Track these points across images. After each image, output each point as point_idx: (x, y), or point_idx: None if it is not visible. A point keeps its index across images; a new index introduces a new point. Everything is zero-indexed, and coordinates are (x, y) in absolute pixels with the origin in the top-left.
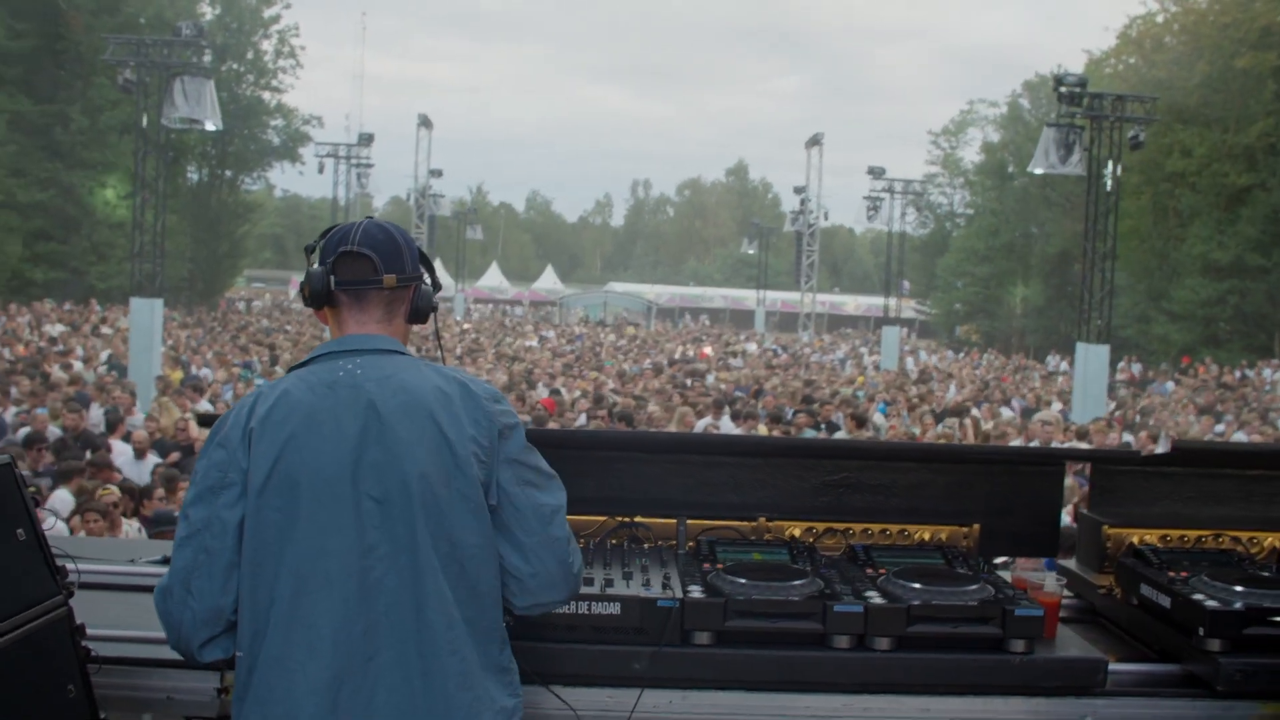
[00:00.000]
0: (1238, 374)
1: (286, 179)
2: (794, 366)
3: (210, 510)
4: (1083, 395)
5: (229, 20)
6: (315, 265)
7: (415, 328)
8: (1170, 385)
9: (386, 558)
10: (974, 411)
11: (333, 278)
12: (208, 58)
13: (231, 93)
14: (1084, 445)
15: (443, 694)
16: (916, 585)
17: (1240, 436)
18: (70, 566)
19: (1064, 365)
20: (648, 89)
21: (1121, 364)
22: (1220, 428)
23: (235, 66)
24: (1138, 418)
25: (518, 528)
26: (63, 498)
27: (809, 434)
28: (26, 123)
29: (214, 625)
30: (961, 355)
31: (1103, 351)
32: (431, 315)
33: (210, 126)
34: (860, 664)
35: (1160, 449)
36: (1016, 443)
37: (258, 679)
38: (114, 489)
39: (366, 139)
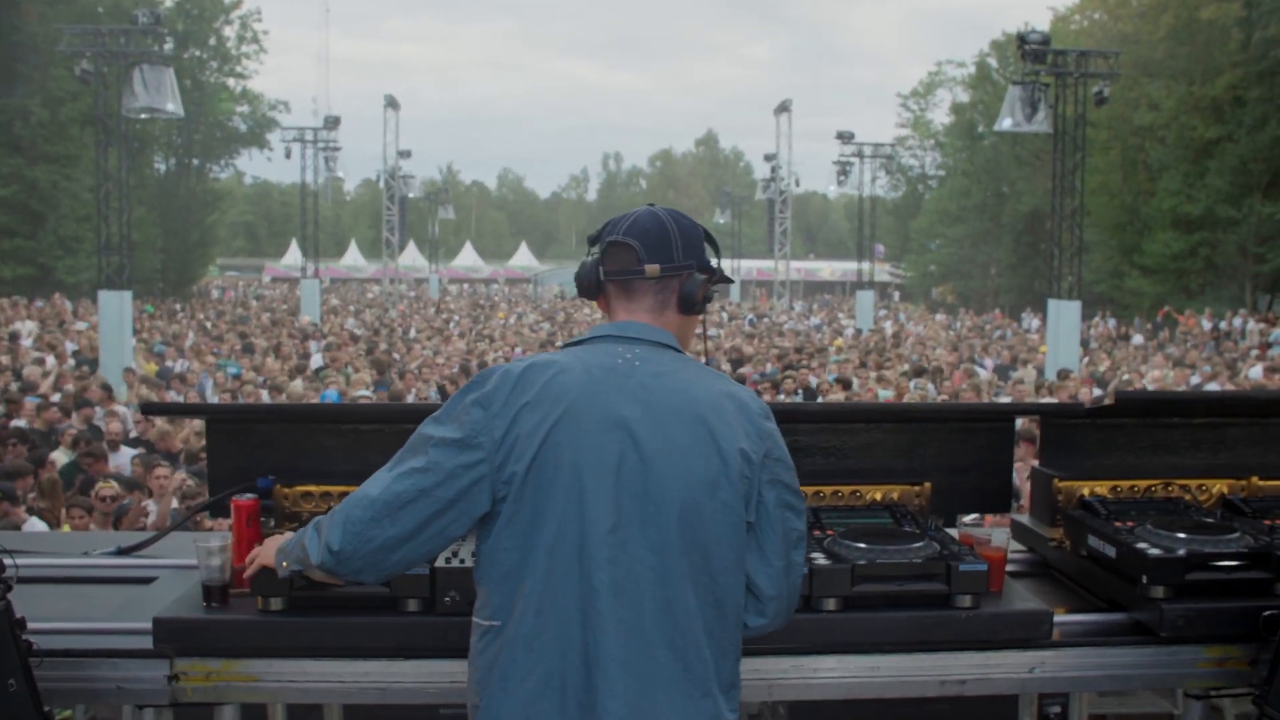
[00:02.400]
0: (1208, 324)
1: (255, 165)
2: (770, 335)
3: (451, 459)
4: (1055, 351)
5: (189, 7)
6: (589, 256)
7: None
8: (1137, 338)
9: (638, 558)
10: (946, 371)
11: (601, 268)
12: (168, 45)
13: (195, 80)
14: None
15: (679, 702)
16: (861, 545)
17: (1214, 389)
18: (9, 562)
19: (1035, 323)
20: (616, 61)
21: (1096, 319)
22: (1195, 379)
23: (198, 53)
24: (1107, 371)
25: (769, 548)
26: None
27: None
28: None
29: (388, 557)
30: (943, 316)
31: (1074, 307)
32: (702, 307)
33: (167, 110)
34: (808, 625)
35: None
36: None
37: (506, 656)
38: (113, 483)
39: (333, 122)
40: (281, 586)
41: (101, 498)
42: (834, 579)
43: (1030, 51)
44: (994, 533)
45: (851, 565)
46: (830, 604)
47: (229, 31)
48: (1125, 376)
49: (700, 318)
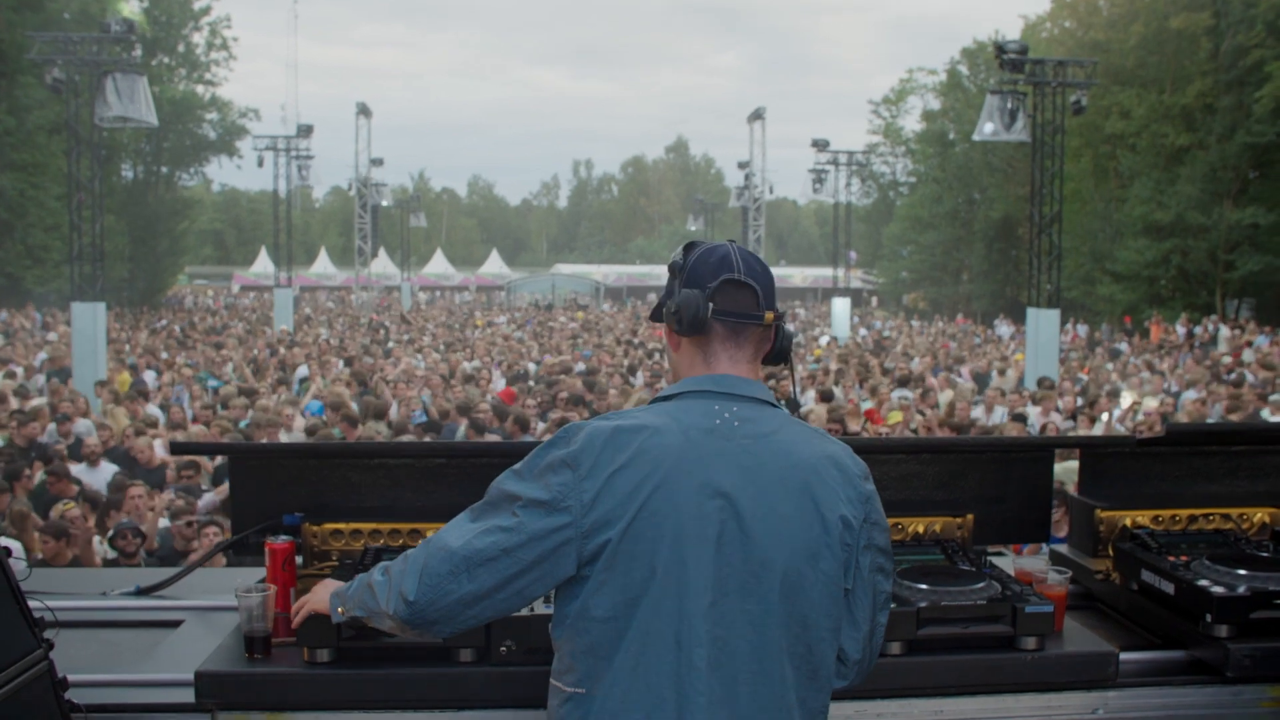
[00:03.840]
0: (1182, 330)
1: (224, 173)
2: None
3: (536, 522)
4: (1035, 360)
5: (157, 14)
6: (685, 287)
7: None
8: (1123, 346)
9: (736, 632)
10: (929, 380)
11: (711, 305)
12: (138, 53)
13: (164, 87)
14: (1036, 410)
15: None
16: (923, 586)
17: (1191, 395)
18: (49, 617)
19: (1003, 329)
20: (586, 70)
21: (1067, 325)
22: (1171, 385)
23: (166, 60)
24: (1086, 379)
25: (859, 612)
26: (13, 547)
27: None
28: None
29: (464, 611)
30: (921, 323)
31: (1053, 316)
32: (790, 355)
33: (141, 119)
34: (871, 670)
35: (1117, 412)
36: (978, 411)
37: None
38: (73, 504)
39: (305, 130)
40: (329, 637)
41: (69, 520)
42: (899, 622)
43: (1009, 61)
44: (1049, 570)
45: (916, 608)
46: (894, 648)
47: (198, 38)
48: (1111, 388)
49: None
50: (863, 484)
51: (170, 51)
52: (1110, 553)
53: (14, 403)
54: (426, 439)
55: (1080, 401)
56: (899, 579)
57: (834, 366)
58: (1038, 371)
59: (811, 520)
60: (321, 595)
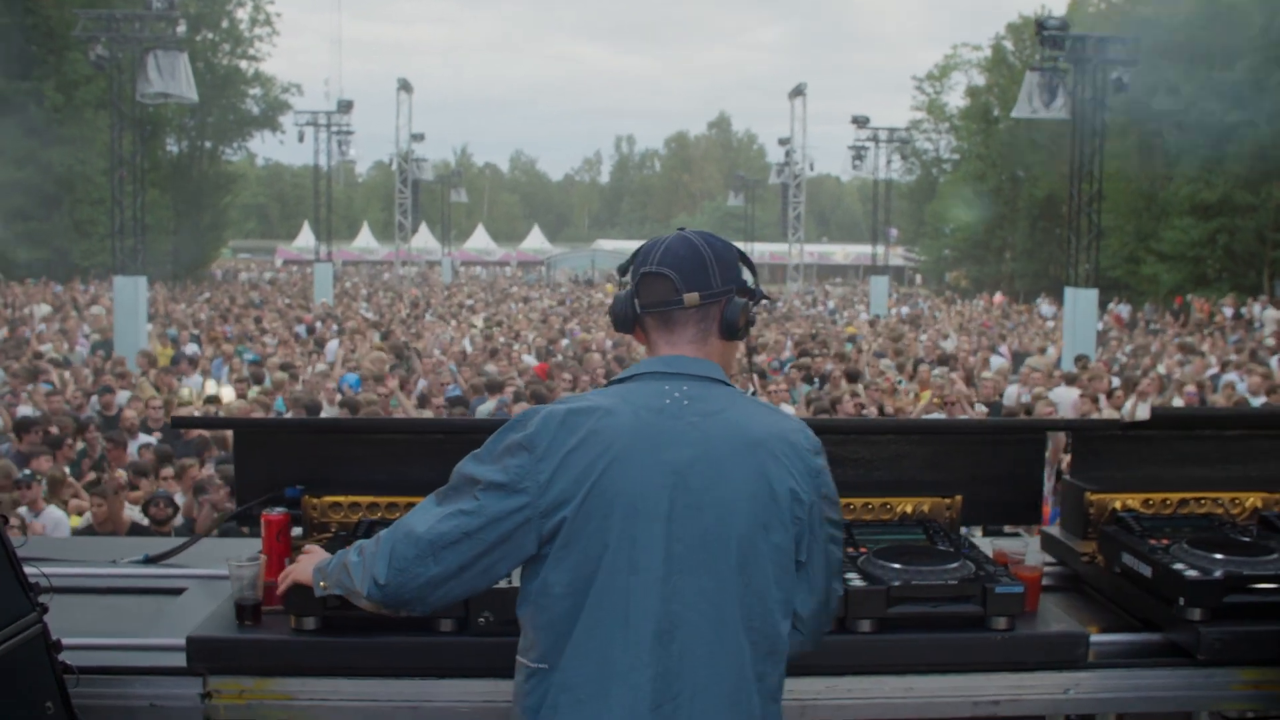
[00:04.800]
0: (1229, 312)
1: (268, 148)
2: (786, 320)
3: (495, 504)
4: (1072, 339)
5: None
6: (623, 288)
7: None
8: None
9: (690, 605)
10: (969, 360)
11: (637, 300)
12: (181, 29)
13: (208, 63)
14: (1074, 391)
15: None
16: (896, 565)
17: (1232, 377)
18: (44, 583)
19: (1046, 308)
20: (629, 45)
21: (1111, 305)
22: (1214, 369)
23: (210, 36)
24: (1129, 362)
25: (815, 580)
26: (55, 516)
27: (804, 389)
28: (0, 100)
29: (433, 592)
30: (961, 301)
31: (1091, 295)
32: (745, 331)
33: (182, 95)
34: (842, 646)
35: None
36: (1012, 389)
37: (549, 700)
38: (121, 472)
39: (346, 106)
40: (315, 605)
41: (117, 488)
42: (869, 601)
43: (1048, 37)
44: (1028, 550)
45: (887, 587)
46: (865, 625)
47: (242, 14)
48: (1140, 370)
49: (742, 342)
50: (813, 458)
51: (214, 27)
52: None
53: (55, 374)
54: (456, 413)
55: (1116, 382)
56: (873, 558)
57: (866, 345)
58: (1075, 350)
59: (761, 493)
60: (305, 566)
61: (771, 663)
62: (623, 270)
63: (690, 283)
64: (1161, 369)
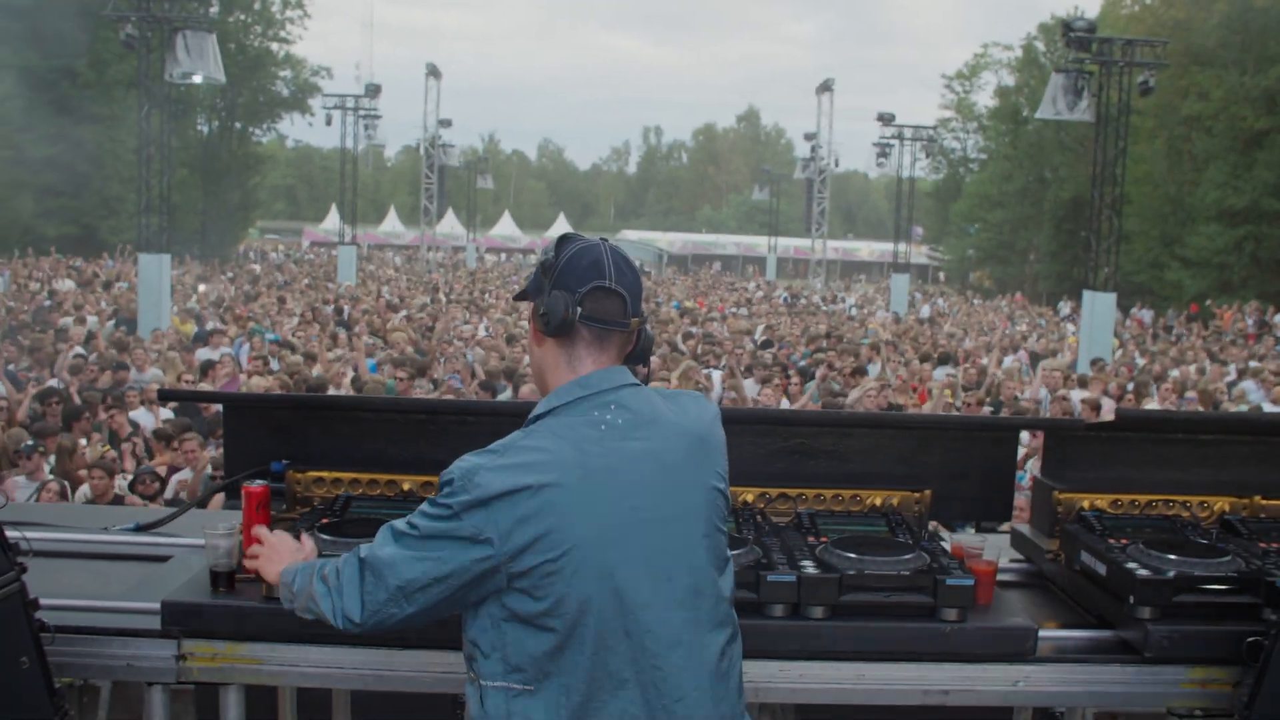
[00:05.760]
0: (1251, 320)
1: (298, 130)
2: (806, 314)
3: (459, 554)
4: (1089, 342)
5: None
6: (555, 288)
7: None
8: (1181, 331)
9: (672, 614)
10: (982, 360)
11: (580, 309)
12: (213, 9)
13: (239, 44)
14: (1083, 393)
15: None
16: (851, 555)
17: (1249, 386)
18: (24, 544)
19: (1066, 311)
20: (660, 36)
21: (1133, 309)
22: (1232, 377)
23: (243, 18)
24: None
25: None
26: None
27: (814, 384)
28: (34, 77)
29: (409, 624)
30: (982, 301)
31: (1109, 299)
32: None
33: (203, 79)
34: (796, 631)
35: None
36: (1028, 391)
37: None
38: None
39: (374, 90)
40: None
41: (109, 460)
42: (822, 588)
43: (1075, 39)
44: (988, 546)
45: (840, 575)
46: (818, 612)
47: None
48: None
49: None
50: (718, 430)
51: (247, 9)
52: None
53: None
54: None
55: (1130, 386)
56: (831, 547)
57: (886, 339)
58: (1091, 354)
59: (712, 491)
60: (273, 568)
61: (735, 643)
62: (547, 267)
63: (635, 306)
64: (1176, 374)
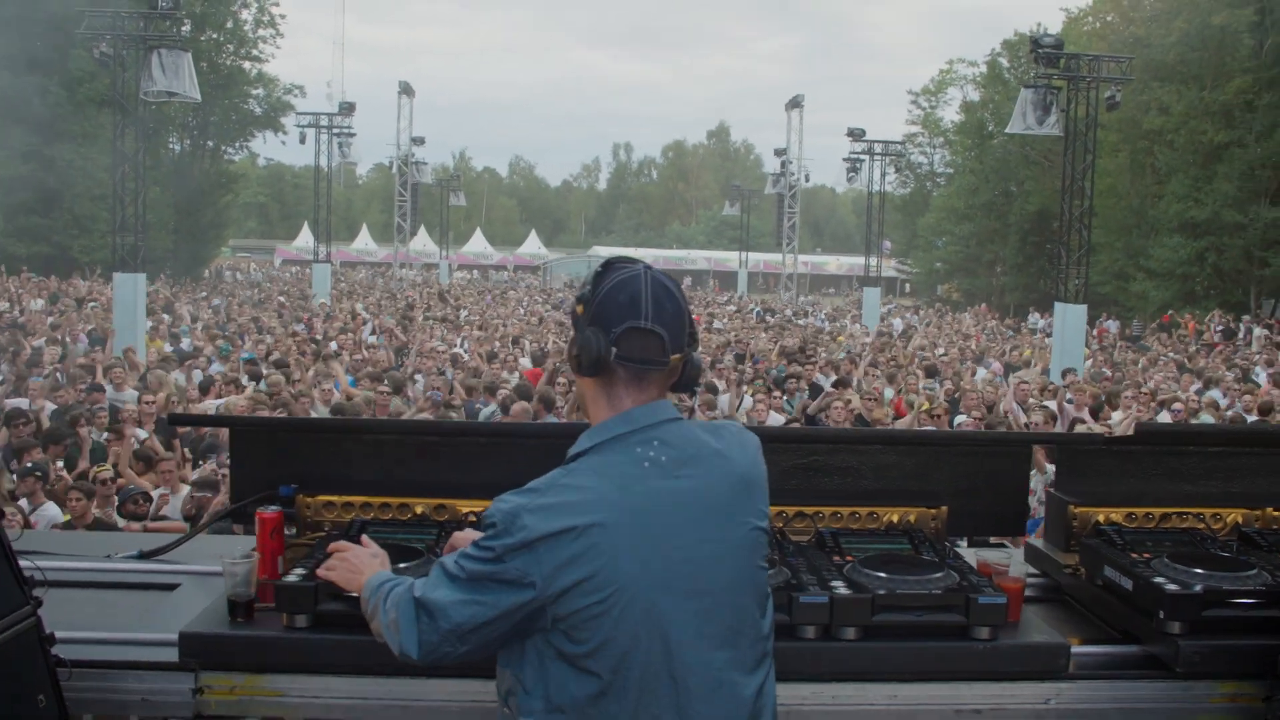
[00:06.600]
0: (1219, 328)
1: (269, 148)
2: (778, 329)
3: (505, 599)
4: (1061, 354)
5: None
6: (589, 326)
7: None
8: (1147, 343)
9: (717, 655)
10: (955, 370)
11: (615, 350)
12: (186, 28)
13: (211, 63)
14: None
15: None
16: (882, 574)
17: (1215, 394)
18: (39, 576)
19: (1038, 322)
20: (631, 52)
21: (1099, 320)
22: (1197, 386)
23: (215, 36)
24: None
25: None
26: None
27: (798, 398)
28: (3, 95)
29: (467, 657)
30: (951, 314)
31: (1080, 311)
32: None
33: (185, 94)
34: (828, 653)
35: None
36: (1002, 404)
37: None
38: (109, 467)
39: (348, 108)
40: (307, 603)
41: (100, 481)
42: (855, 609)
43: (1043, 55)
44: (1012, 562)
45: (872, 595)
46: (850, 633)
47: (246, 14)
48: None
49: None
50: (761, 468)
51: (219, 28)
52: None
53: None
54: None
55: (1103, 397)
56: (859, 567)
57: (860, 354)
58: (1063, 365)
59: (756, 529)
60: (355, 581)
61: (771, 684)
62: (584, 300)
63: (676, 344)
64: (1149, 385)
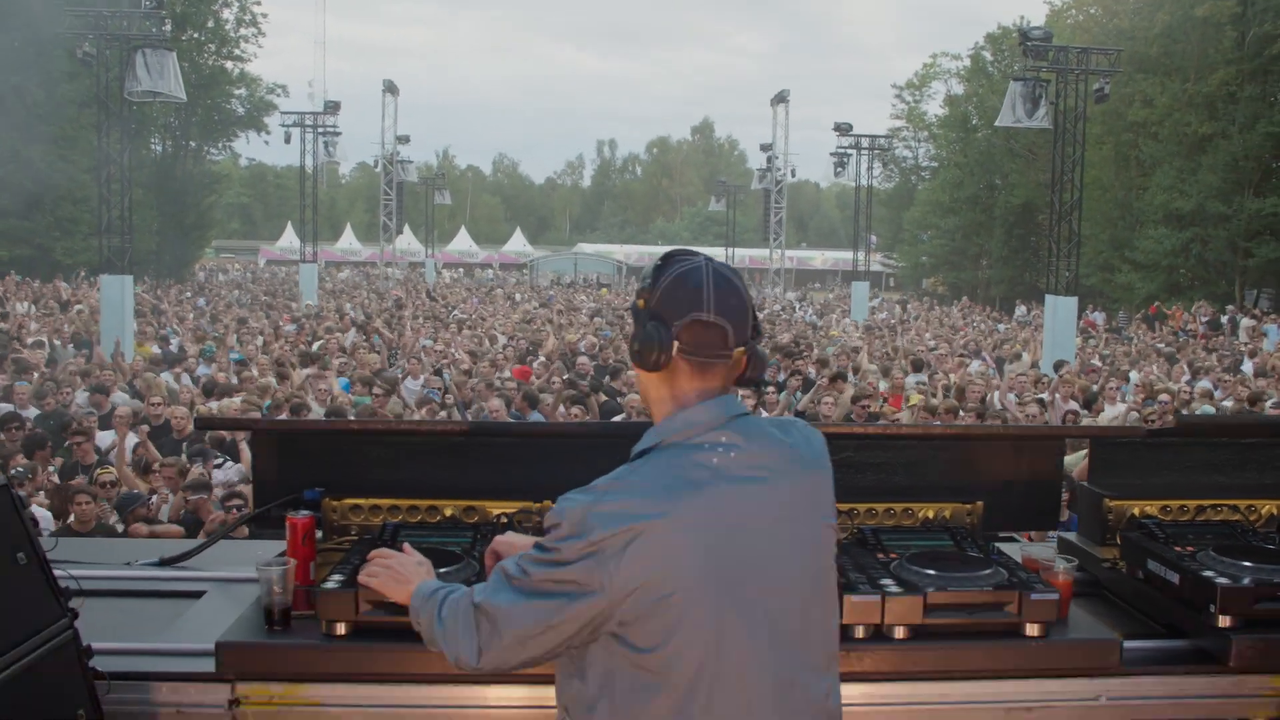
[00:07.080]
0: (1205, 319)
1: (252, 148)
2: (768, 324)
3: (571, 604)
4: (1052, 346)
5: None
6: (650, 320)
7: None
8: (1131, 335)
9: (779, 651)
10: (947, 364)
11: (677, 344)
12: (168, 28)
13: (193, 62)
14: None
15: None
16: (931, 572)
17: (1206, 384)
18: (74, 586)
19: (1023, 314)
20: (613, 49)
21: (1085, 312)
22: (1187, 376)
23: (196, 36)
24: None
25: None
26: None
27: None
28: None
29: (527, 666)
30: (939, 309)
31: (1071, 303)
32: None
33: (170, 94)
34: (879, 652)
35: (1128, 398)
36: (996, 395)
37: None
38: (111, 468)
39: (333, 107)
40: (347, 611)
41: (101, 484)
42: (906, 608)
43: (1032, 47)
44: (1056, 557)
45: (924, 593)
46: (900, 632)
47: (227, 14)
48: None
49: None
50: (828, 468)
51: (200, 27)
52: (1118, 541)
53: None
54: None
55: (1094, 389)
56: (906, 564)
57: (855, 346)
58: (1054, 357)
59: (816, 528)
60: (401, 591)
61: (836, 679)
62: (645, 287)
63: (740, 336)
64: (1137, 376)
